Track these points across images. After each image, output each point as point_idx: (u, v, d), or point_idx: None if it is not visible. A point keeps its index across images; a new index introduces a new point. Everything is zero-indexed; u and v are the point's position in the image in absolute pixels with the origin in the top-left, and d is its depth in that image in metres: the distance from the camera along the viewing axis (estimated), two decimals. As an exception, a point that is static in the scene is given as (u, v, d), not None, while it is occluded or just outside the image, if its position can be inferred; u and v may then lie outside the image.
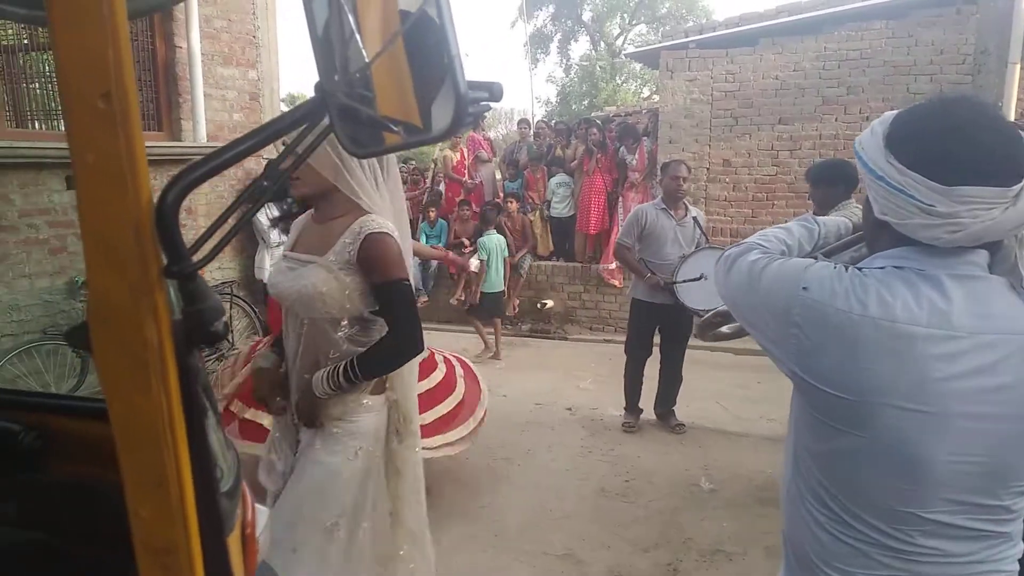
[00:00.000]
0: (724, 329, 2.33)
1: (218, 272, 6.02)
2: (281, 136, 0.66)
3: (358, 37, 0.60)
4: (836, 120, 7.94)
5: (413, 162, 12.09)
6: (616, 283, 8.20)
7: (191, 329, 0.63)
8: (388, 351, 1.95)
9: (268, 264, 6.06)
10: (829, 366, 1.07)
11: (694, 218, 4.91)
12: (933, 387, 1.01)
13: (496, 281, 7.16)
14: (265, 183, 0.66)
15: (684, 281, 4.49)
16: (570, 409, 5.53)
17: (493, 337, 7.26)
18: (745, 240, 1.34)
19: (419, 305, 8.59)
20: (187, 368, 0.63)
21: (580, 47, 26.51)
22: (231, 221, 0.63)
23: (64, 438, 1.07)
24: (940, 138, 1.03)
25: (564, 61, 25.99)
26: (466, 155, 9.62)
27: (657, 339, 5.09)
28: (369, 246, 1.89)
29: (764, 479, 4.18)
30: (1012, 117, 6.69)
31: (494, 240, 7.25)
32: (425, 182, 10.54)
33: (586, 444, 4.76)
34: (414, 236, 9.05)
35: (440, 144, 12.06)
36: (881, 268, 1.09)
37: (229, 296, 5.77)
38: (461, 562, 3.24)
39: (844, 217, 3.77)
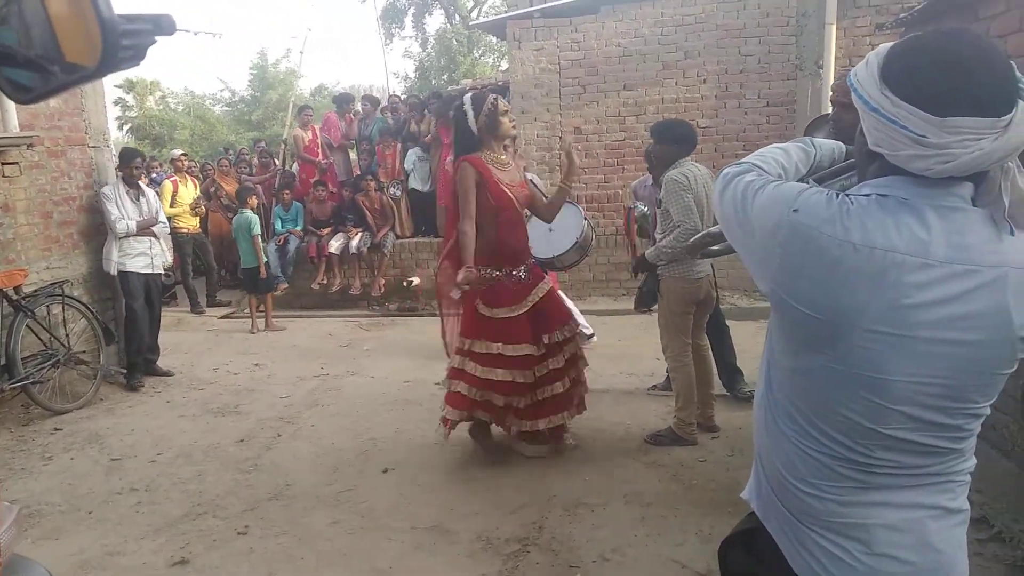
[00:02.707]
0: (714, 247, 2.38)
1: (46, 272, 5.47)
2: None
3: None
4: (676, 84, 8.28)
5: (263, 143, 11.56)
6: None
7: None
8: None
9: (116, 256, 5.64)
10: (806, 286, 1.12)
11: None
12: (903, 312, 1.06)
13: (249, 258, 7.59)
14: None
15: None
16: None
17: (262, 314, 7.73)
18: (744, 160, 1.35)
19: (279, 292, 8.21)
20: None
21: (435, 21, 26.18)
22: None
23: None
24: (933, 70, 1.05)
25: (420, 35, 25.59)
26: (318, 134, 9.30)
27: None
28: None
29: (623, 431, 4.35)
30: (832, 73, 7.21)
31: (245, 218, 7.60)
32: (276, 164, 10.09)
33: (454, 416, 4.75)
34: (268, 220, 8.68)
35: (289, 123, 11.59)
36: (867, 196, 1.12)
37: (60, 298, 5.25)
38: (327, 549, 3.16)
39: (681, 173, 3.96)
